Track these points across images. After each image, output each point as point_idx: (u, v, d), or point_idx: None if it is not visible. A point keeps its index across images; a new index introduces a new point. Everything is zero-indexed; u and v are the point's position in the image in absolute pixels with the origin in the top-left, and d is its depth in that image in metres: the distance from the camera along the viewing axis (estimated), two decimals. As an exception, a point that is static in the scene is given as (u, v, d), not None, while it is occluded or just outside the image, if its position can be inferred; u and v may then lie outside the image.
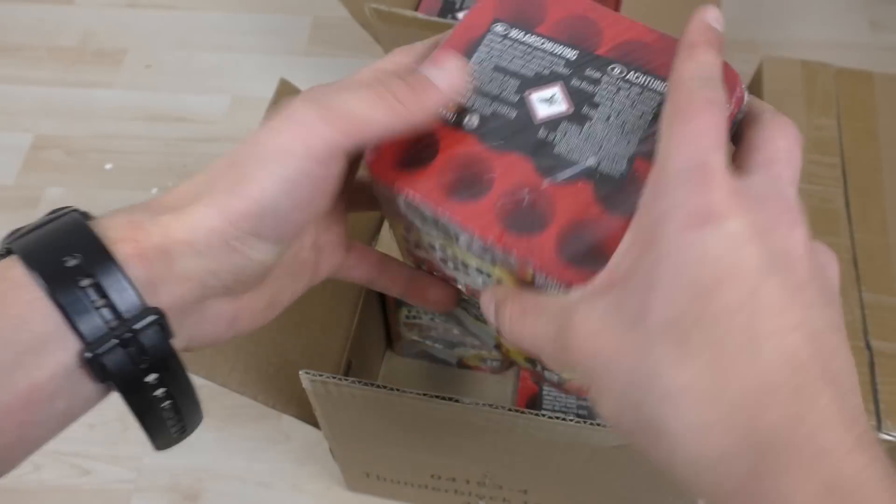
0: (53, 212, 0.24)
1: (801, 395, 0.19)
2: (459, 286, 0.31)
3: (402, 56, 0.29)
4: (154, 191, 0.73)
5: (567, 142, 0.27)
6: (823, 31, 0.84)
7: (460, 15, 0.70)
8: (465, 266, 0.29)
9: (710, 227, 0.20)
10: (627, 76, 0.28)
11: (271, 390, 0.45)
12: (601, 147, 0.26)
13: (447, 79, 0.26)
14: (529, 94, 0.28)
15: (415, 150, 0.27)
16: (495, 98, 0.28)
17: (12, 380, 0.20)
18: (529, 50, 0.29)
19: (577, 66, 0.28)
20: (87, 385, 0.22)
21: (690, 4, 0.69)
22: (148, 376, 0.22)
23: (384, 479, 0.50)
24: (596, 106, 0.27)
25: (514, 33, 0.29)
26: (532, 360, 0.32)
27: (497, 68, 0.28)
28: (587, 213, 0.25)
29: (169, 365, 0.23)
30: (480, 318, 0.32)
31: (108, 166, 0.74)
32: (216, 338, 0.26)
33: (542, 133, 0.27)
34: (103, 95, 0.80)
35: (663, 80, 0.27)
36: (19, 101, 0.79)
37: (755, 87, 0.64)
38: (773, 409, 0.19)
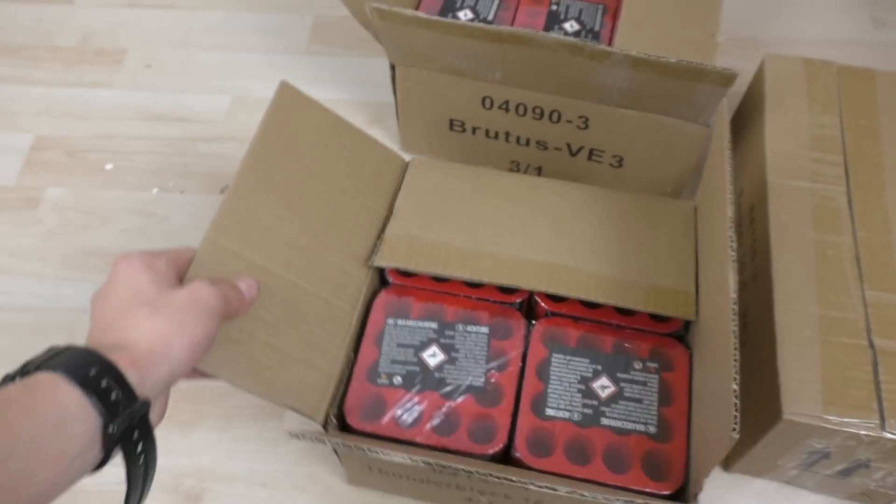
0: (53, 349, 0.35)
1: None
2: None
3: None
4: (155, 191, 0.73)
5: (451, 376, 0.49)
6: (825, 29, 0.84)
7: (461, 14, 0.70)
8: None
9: None
10: (466, 329, 0.51)
11: (266, 382, 0.45)
12: (469, 373, 0.49)
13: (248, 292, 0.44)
14: (421, 354, 0.50)
15: (375, 406, 0.48)
16: (404, 363, 0.50)
17: (53, 441, 0.31)
18: (412, 329, 0.51)
19: (439, 331, 0.51)
20: (96, 449, 0.33)
21: (690, 5, 0.69)
22: (138, 444, 0.36)
23: (385, 472, 0.50)
24: (458, 350, 0.50)
25: (400, 322, 0.52)
26: None
27: (399, 345, 0.51)
28: (475, 412, 0.48)
29: (149, 435, 0.36)
30: None
31: (108, 166, 0.74)
32: (158, 420, 0.39)
33: (437, 375, 0.50)
34: (103, 95, 0.79)
35: (485, 325, 0.52)
36: (19, 102, 0.79)
37: (757, 85, 0.64)
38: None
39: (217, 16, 0.86)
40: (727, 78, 0.53)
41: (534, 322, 0.52)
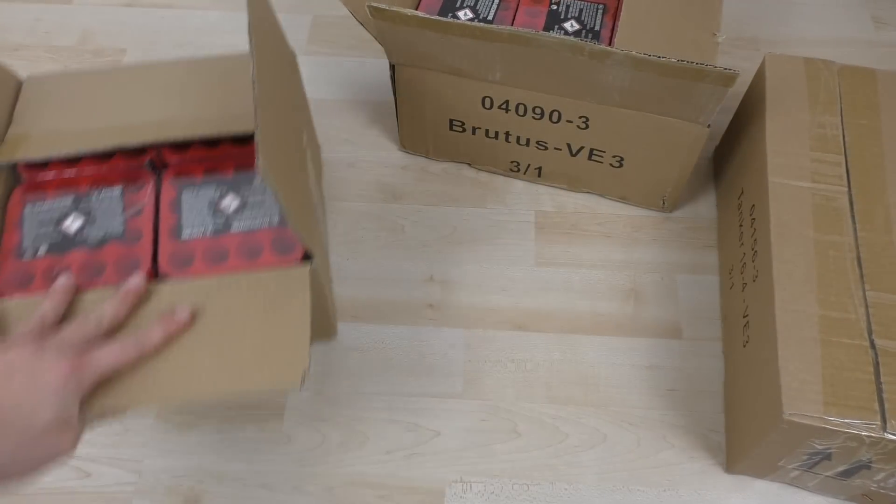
0: None
1: None
2: None
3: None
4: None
5: (92, 233, 0.54)
6: (827, 28, 0.84)
7: (461, 13, 0.69)
8: None
9: None
10: (101, 194, 0.56)
11: None
12: (108, 227, 0.54)
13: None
14: (61, 225, 0.54)
15: (25, 277, 0.51)
16: (47, 236, 0.53)
17: None
18: (49, 208, 0.55)
19: (76, 202, 0.55)
20: None
21: (691, 5, 0.69)
22: None
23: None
24: (96, 212, 0.55)
25: (38, 206, 0.55)
26: None
27: (40, 223, 0.54)
28: (119, 254, 0.52)
29: None
30: None
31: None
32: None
33: (78, 236, 0.53)
34: (102, 95, 0.79)
35: (117, 186, 0.57)
36: (18, 102, 0.79)
37: (758, 85, 0.64)
38: None
39: (216, 15, 0.86)
40: (728, 78, 0.53)
41: (163, 170, 0.58)
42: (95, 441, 0.58)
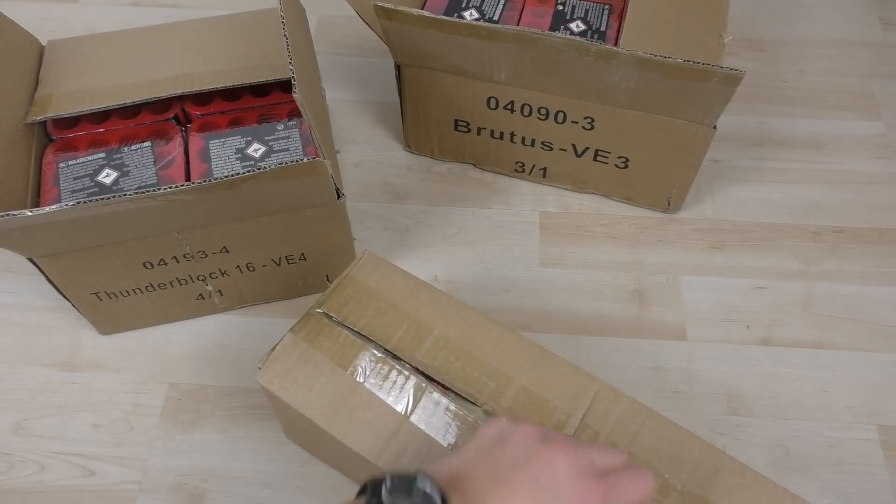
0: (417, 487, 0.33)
1: None
2: None
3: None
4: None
5: (127, 185, 0.57)
6: (833, 29, 0.83)
7: (466, 13, 0.69)
8: None
9: None
10: (131, 148, 0.59)
11: None
12: (142, 178, 0.57)
13: None
14: (97, 178, 0.57)
15: None
16: (84, 189, 0.57)
17: None
18: (83, 164, 0.58)
19: (108, 157, 0.58)
20: None
21: (696, 5, 0.69)
22: None
23: (113, 295, 0.59)
24: (128, 165, 0.58)
25: (71, 162, 0.58)
26: None
27: (75, 178, 0.57)
28: None
29: None
30: None
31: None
32: None
33: (114, 188, 0.57)
34: (108, 94, 0.79)
35: (146, 141, 0.60)
36: (24, 101, 0.79)
37: None
38: None
39: (221, 15, 0.86)
40: (734, 79, 0.52)
41: (188, 125, 0.61)
42: (100, 440, 0.58)
